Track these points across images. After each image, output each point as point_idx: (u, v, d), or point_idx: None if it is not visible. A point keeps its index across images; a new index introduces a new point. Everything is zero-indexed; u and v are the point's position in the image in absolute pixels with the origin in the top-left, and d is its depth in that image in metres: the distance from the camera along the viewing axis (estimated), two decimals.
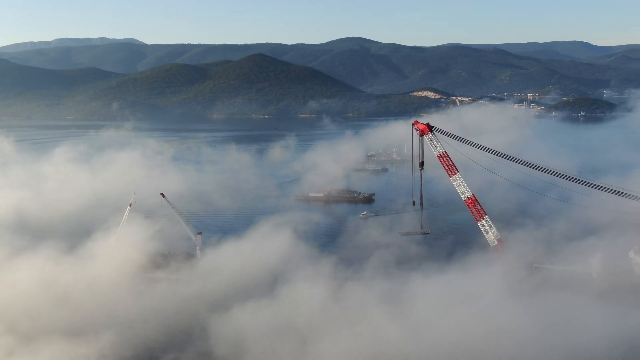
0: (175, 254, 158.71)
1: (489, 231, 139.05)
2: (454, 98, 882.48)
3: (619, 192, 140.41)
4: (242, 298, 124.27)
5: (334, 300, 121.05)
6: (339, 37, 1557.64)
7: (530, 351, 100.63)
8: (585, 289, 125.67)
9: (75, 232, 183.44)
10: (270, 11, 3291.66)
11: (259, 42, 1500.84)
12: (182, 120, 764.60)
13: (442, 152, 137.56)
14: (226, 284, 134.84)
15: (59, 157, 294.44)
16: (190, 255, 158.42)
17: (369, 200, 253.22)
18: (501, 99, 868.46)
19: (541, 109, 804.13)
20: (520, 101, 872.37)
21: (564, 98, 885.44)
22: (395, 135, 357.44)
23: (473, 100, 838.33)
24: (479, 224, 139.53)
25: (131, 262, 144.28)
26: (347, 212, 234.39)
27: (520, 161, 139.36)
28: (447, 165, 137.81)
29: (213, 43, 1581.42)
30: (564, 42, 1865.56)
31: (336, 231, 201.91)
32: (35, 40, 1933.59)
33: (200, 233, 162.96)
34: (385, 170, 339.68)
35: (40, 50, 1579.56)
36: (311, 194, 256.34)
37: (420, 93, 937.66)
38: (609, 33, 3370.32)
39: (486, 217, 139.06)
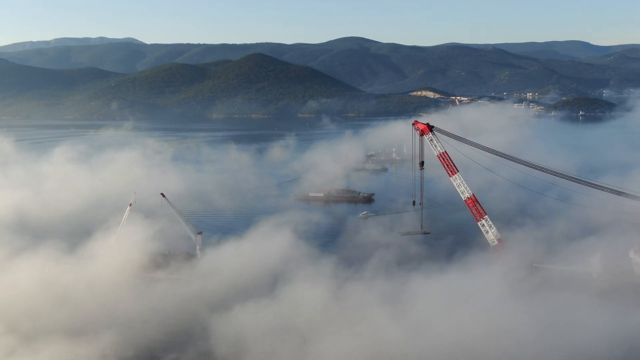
0: (175, 253, 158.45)
1: (489, 231, 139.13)
2: (454, 98, 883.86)
3: (618, 191, 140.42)
4: (243, 298, 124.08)
5: (334, 300, 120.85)
6: (339, 37, 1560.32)
7: (530, 351, 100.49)
8: (585, 289, 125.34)
9: (75, 232, 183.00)
10: (270, 11, 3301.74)
11: (258, 41, 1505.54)
12: (182, 120, 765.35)
13: (442, 152, 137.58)
14: (226, 283, 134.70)
15: (59, 156, 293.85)
16: (190, 255, 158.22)
17: (368, 200, 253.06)
18: (500, 99, 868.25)
19: (540, 108, 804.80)
20: (520, 101, 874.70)
21: (563, 98, 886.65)
22: (395, 135, 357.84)
23: (472, 99, 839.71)
24: (479, 223, 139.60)
25: (131, 262, 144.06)
26: (347, 212, 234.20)
27: (520, 161, 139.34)
28: (447, 165, 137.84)
29: (212, 43, 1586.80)
30: (563, 41, 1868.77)
31: (336, 231, 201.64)
32: (35, 40, 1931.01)
33: (200, 233, 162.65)
34: (385, 170, 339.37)
35: (39, 50, 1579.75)
36: (311, 194, 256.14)
37: (419, 93, 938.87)
38: (608, 33, 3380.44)
39: (486, 217, 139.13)
